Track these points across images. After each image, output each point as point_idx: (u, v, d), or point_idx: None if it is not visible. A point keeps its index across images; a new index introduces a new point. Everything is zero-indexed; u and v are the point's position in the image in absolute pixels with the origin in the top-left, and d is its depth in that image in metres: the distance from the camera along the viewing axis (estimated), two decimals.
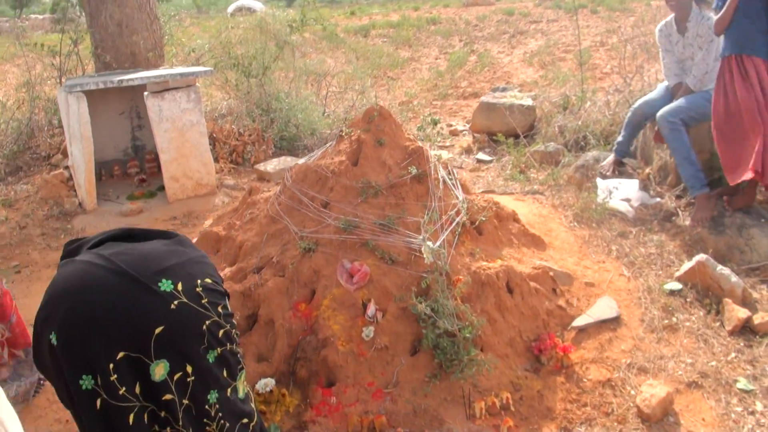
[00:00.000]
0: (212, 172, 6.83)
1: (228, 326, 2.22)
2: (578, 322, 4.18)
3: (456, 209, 4.20)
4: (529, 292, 4.09)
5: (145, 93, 6.47)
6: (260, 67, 7.77)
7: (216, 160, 7.44)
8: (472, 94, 10.45)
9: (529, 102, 7.40)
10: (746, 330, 4.12)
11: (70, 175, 7.02)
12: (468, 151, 7.49)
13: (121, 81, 6.44)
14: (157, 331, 2.07)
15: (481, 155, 7.25)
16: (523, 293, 4.08)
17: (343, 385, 3.67)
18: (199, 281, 2.17)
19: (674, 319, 4.22)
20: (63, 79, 7.91)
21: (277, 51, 7.99)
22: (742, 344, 4.01)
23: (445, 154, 7.45)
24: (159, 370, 2.10)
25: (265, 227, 4.48)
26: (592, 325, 4.17)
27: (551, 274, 4.39)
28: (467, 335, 3.67)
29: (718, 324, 4.17)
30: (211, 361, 2.12)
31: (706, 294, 4.38)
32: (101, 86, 6.40)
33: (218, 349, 2.15)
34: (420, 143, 4.41)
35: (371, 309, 3.84)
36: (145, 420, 1.99)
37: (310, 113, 7.86)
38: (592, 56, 10.82)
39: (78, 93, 6.29)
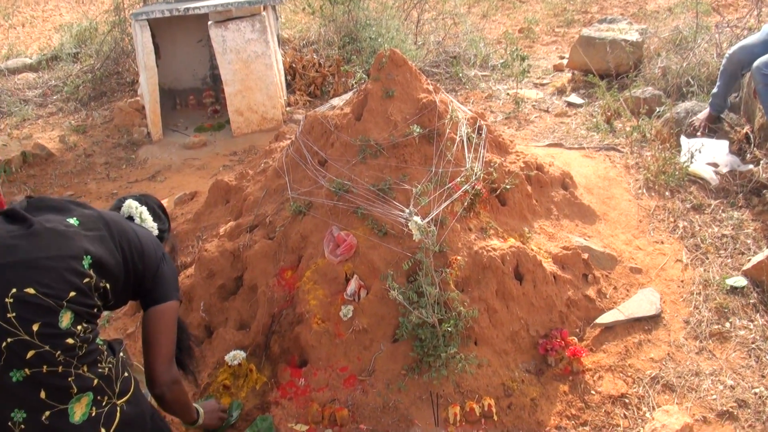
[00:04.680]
0: (278, 106, 6.50)
1: (47, 347, 1.89)
2: (605, 318, 3.52)
3: (465, 176, 3.59)
4: (544, 280, 3.47)
5: (209, 22, 6.19)
6: None
7: (293, 92, 7.10)
8: (600, 21, 9.34)
9: (635, 37, 6.35)
10: None
11: None
12: (561, 91, 6.62)
13: (187, 9, 6.18)
14: None
15: (573, 97, 6.36)
16: (535, 280, 3.46)
17: (314, 368, 3.31)
18: (14, 290, 1.85)
19: (727, 325, 3.45)
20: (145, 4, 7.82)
21: None
22: None
23: (533, 94, 6.66)
24: None
25: (269, 181, 4.11)
26: (622, 323, 3.50)
27: (585, 256, 3.71)
28: (449, 328, 3.16)
29: None
30: (15, 380, 1.86)
31: None
32: (166, 14, 6.18)
33: (26, 369, 1.86)
34: (438, 95, 3.80)
35: (352, 286, 3.42)
36: None
37: (399, 42, 7.26)
38: None
39: (142, 21, 6.13)
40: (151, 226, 2.53)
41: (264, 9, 6.35)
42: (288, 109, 6.79)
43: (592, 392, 3.20)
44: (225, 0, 6.30)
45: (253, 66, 6.30)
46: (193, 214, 4.50)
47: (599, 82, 5.82)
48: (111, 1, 8.24)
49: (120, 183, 6.00)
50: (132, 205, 2.50)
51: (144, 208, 2.53)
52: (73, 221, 2.06)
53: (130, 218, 2.48)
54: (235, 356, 3.41)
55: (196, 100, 7.33)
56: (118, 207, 2.51)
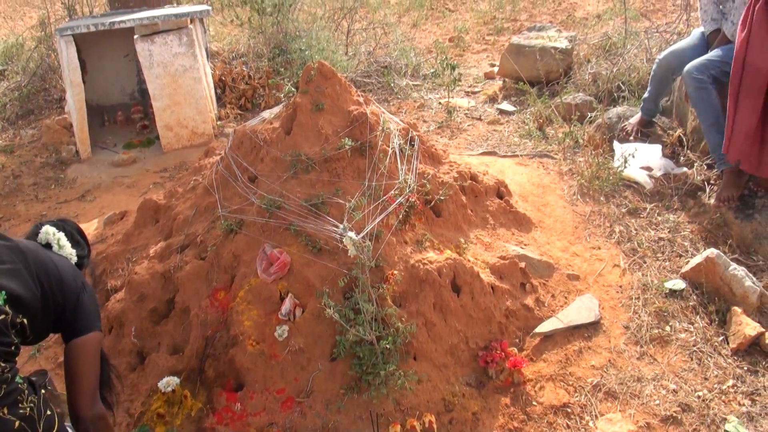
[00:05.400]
0: (208, 120, 6.35)
1: None
2: (544, 327, 3.50)
3: (399, 188, 3.53)
4: (482, 291, 3.42)
5: (135, 36, 6.02)
6: (275, 3, 7.12)
7: (224, 105, 6.96)
8: (529, 29, 9.42)
9: (564, 44, 6.41)
10: (754, 350, 3.32)
11: None
12: (493, 99, 6.63)
13: (113, 23, 5.99)
14: None
15: (505, 105, 6.38)
16: (473, 292, 3.41)
17: (251, 391, 3.20)
18: None
19: (667, 329, 3.46)
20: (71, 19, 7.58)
21: None
22: (745, 368, 3.23)
23: (465, 103, 6.66)
24: None
25: (199, 199, 3.99)
26: (561, 331, 3.48)
27: (522, 265, 3.69)
28: (387, 345, 3.08)
29: (720, 339, 3.38)
30: None
31: (713, 298, 3.56)
32: (92, 29, 5.97)
33: None
34: (369, 107, 3.73)
35: (286, 305, 3.32)
36: None
37: (330, 54, 7.18)
38: None
39: (67, 37, 5.91)
40: (70, 252, 2.40)
41: (191, 22, 6.20)
42: (219, 123, 6.64)
43: (534, 403, 3.17)
44: (151, 13, 6.13)
45: (181, 80, 6.14)
46: (123, 235, 4.33)
47: (529, 89, 5.84)
48: (37, 16, 7.96)
49: (49, 204, 5.77)
50: (49, 232, 2.37)
51: (62, 234, 2.40)
52: None
53: (48, 245, 2.35)
54: (169, 382, 3.28)
55: (125, 116, 7.11)
56: (34, 234, 2.38)
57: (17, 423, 1.89)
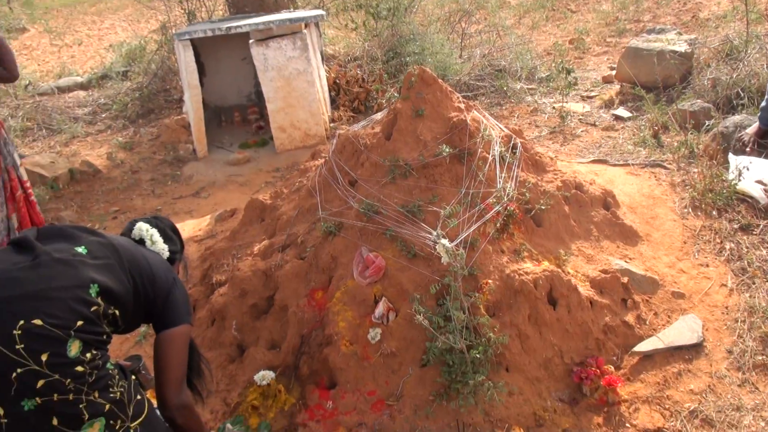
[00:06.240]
0: (321, 123, 6.51)
1: (57, 376, 1.91)
2: (643, 346, 3.37)
3: (496, 196, 3.50)
4: (579, 305, 3.35)
5: (250, 41, 6.25)
6: (390, 7, 7.21)
7: (337, 107, 7.11)
8: (648, 31, 9.08)
9: (683, 47, 6.14)
10: None
11: None
12: (609, 104, 6.45)
13: (229, 29, 6.25)
14: None
15: (620, 111, 6.19)
16: (570, 305, 3.34)
17: (343, 390, 3.27)
18: (22, 322, 1.88)
19: None
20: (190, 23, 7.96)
21: None
22: None
23: (579, 108, 6.50)
24: None
25: (302, 200, 4.10)
26: (661, 351, 3.35)
27: (625, 280, 3.58)
28: (477, 355, 3.07)
29: None
30: (26, 409, 1.89)
31: None
32: (209, 34, 6.25)
33: (37, 398, 1.89)
34: (469, 114, 3.72)
35: (379, 309, 3.36)
36: None
37: (444, 57, 7.19)
38: None
39: (185, 41, 6.21)
40: (162, 248, 2.51)
41: (306, 26, 6.37)
42: (332, 125, 6.79)
43: (627, 425, 3.06)
44: (266, 18, 6.35)
45: (294, 83, 6.32)
46: (230, 232, 4.52)
47: (645, 95, 5.64)
48: (160, 20, 8.41)
49: (165, 199, 6.08)
50: (142, 228, 2.49)
51: (154, 231, 2.51)
52: (80, 250, 2.06)
53: (141, 241, 2.47)
54: (264, 376, 3.39)
55: (242, 117, 7.40)
56: (129, 230, 2.49)
57: (108, 406, 1.99)
